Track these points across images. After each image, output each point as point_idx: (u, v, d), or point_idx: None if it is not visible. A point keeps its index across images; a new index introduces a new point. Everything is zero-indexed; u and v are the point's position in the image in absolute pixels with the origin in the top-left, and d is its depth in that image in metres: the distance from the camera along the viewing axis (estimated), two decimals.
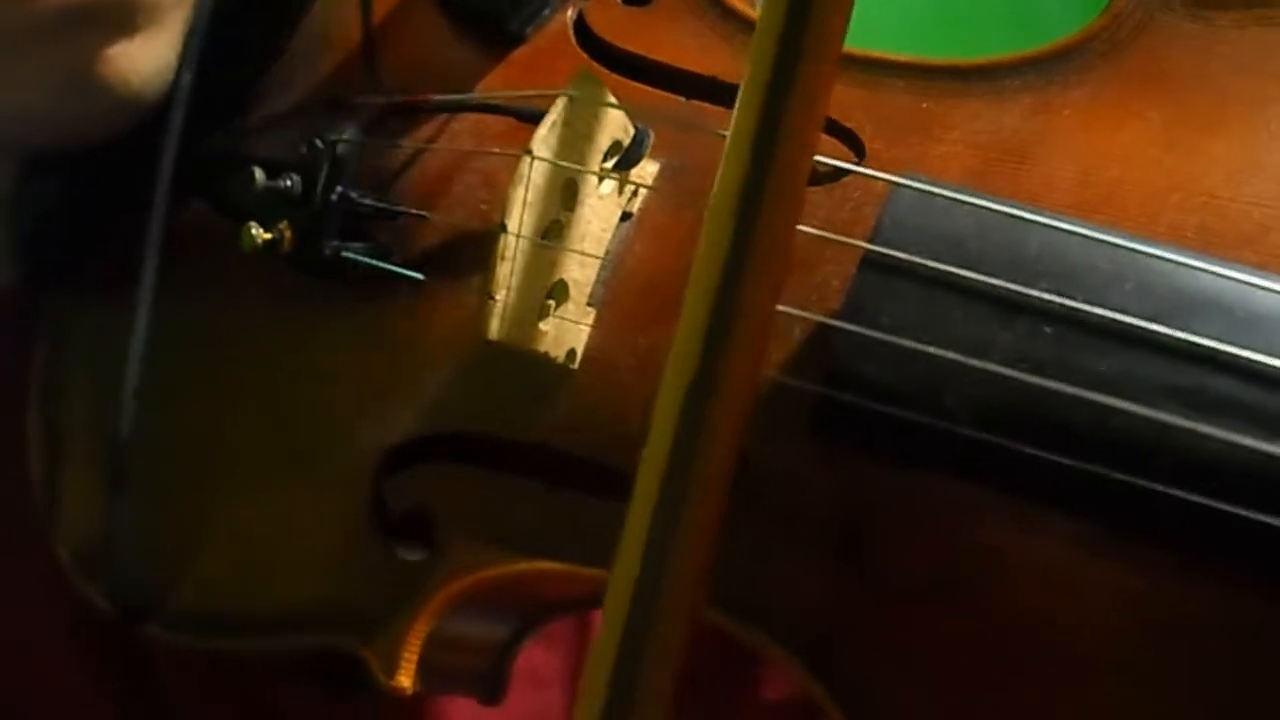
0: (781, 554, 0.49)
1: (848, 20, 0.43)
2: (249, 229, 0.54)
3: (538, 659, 0.60)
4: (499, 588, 0.54)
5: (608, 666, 0.43)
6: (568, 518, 0.52)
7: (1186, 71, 0.49)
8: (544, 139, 0.49)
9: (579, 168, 0.50)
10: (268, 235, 0.55)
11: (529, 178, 0.48)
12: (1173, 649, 0.44)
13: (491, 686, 0.58)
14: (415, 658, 0.54)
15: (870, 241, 0.46)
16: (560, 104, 0.49)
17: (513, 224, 0.48)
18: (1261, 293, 0.43)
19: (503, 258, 0.49)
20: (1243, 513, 0.41)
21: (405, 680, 0.54)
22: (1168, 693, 0.44)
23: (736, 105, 0.43)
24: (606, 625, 0.43)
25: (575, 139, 0.50)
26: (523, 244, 0.49)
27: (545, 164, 0.49)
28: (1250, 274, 0.43)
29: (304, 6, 0.60)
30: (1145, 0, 0.50)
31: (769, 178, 0.42)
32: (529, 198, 0.49)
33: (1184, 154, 0.48)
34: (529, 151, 0.48)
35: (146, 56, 0.54)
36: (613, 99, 0.51)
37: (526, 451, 0.53)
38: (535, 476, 0.53)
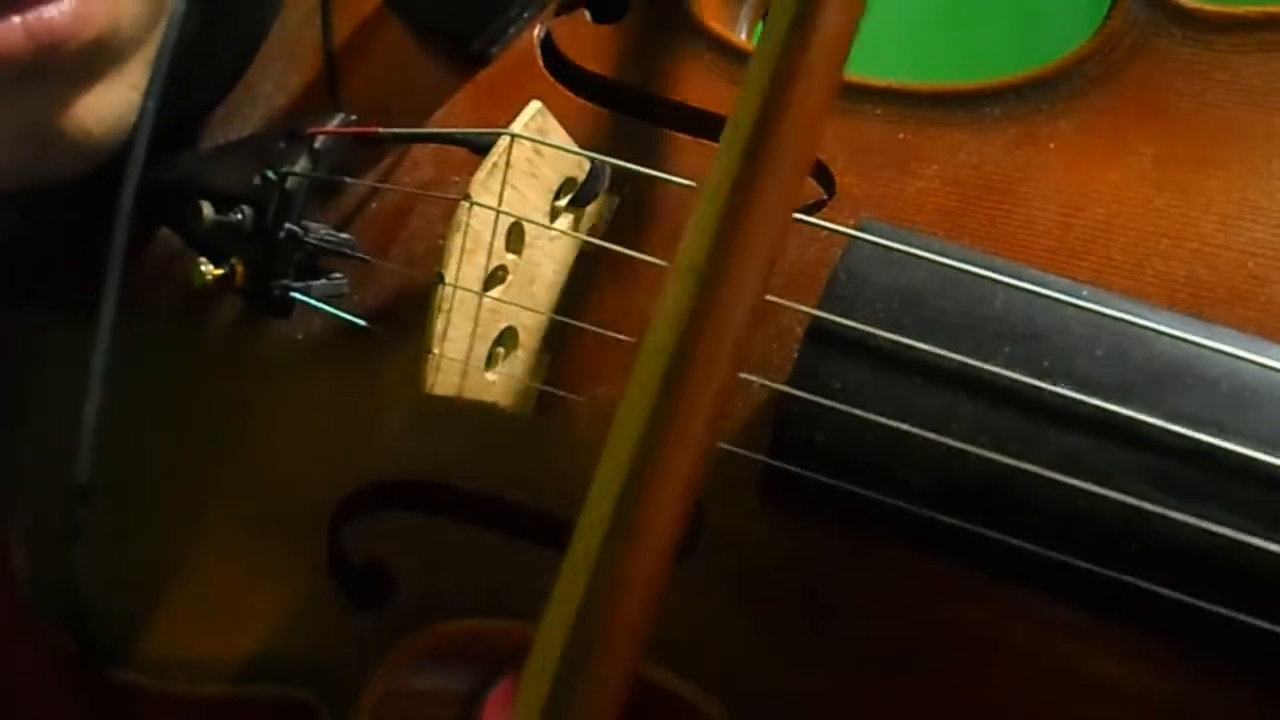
0: (739, 617, 0.46)
1: (843, 69, 0.37)
2: (198, 265, 0.52)
3: None
4: (458, 642, 0.52)
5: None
6: (526, 573, 0.50)
7: (1183, 101, 0.45)
8: (483, 182, 0.46)
9: (521, 216, 0.47)
10: (218, 271, 0.52)
11: (467, 224, 0.46)
12: None
13: None
14: (368, 714, 0.52)
15: (821, 299, 0.42)
16: (501, 144, 0.46)
17: (449, 274, 0.46)
18: (1247, 365, 0.39)
19: (439, 309, 0.46)
20: (1212, 608, 0.37)
21: None
22: None
23: (715, 159, 0.37)
24: (528, 680, 0.40)
25: (521, 178, 0.47)
26: (462, 294, 0.46)
27: (487, 209, 0.46)
28: (1236, 343, 0.39)
29: (264, 30, 0.57)
30: (1141, 21, 0.46)
31: (740, 244, 0.36)
32: (468, 245, 0.46)
33: (1175, 194, 0.44)
34: (467, 197, 0.46)
35: (108, 103, 0.51)
36: (561, 137, 0.48)
37: (481, 503, 0.51)
38: (493, 529, 0.51)
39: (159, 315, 0.57)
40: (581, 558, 0.40)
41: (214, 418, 0.56)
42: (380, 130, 0.51)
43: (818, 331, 0.42)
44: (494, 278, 0.47)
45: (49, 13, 0.48)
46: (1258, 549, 0.37)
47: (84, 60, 0.50)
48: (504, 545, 0.51)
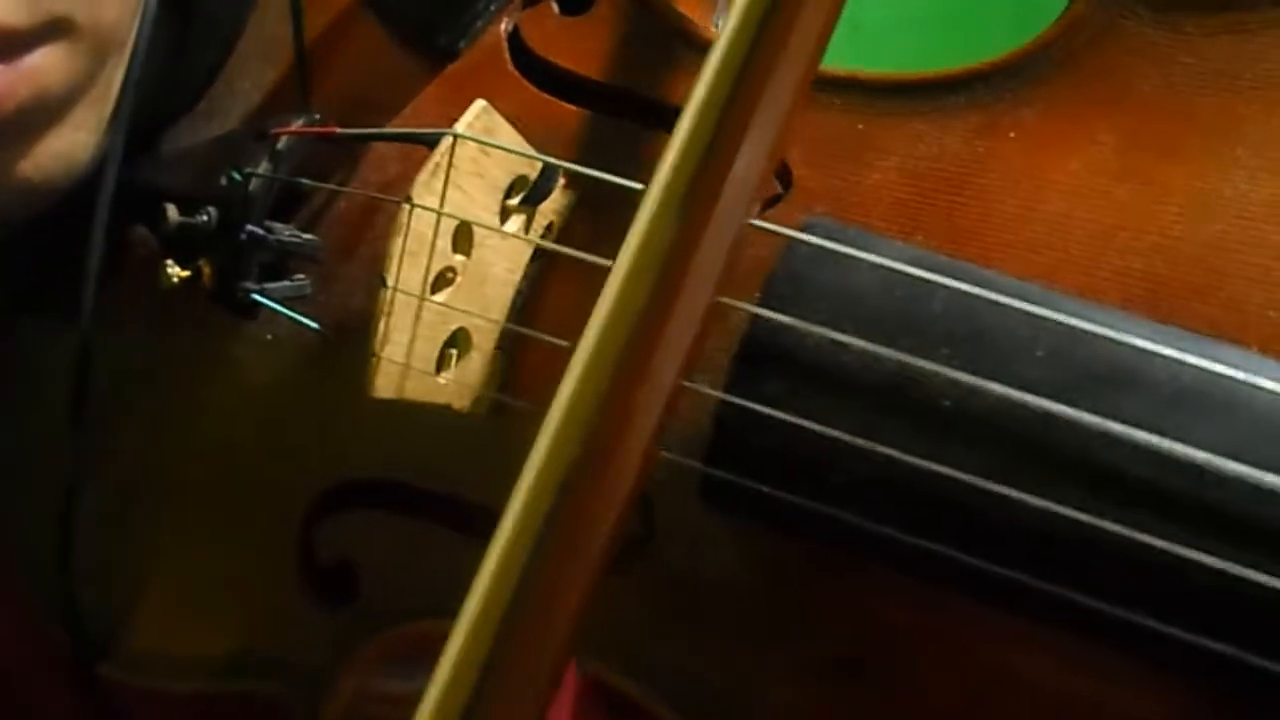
0: (690, 619, 0.45)
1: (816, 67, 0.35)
2: (165, 267, 0.52)
3: None
4: (423, 642, 0.52)
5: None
6: None
7: (1148, 85, 0.43)
8: (425, 184, 0.45)
9: (465, 217, 0.46)
10: (185, 272, 0.52)
11: (409, 226, 0.45)
12: None
13: None
14: (340, 712, 0.52)
15: (760, 299, 0.41)
16: (444, 145, 0.45)
17: (390, 277, 0.45)
18: (1191, 368, 0.37)
19: (383, 313, 0.45)
20: (1140, 620, 0.36)
21: None
22: None
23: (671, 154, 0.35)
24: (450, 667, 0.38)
25: (467, 179, 0.46)
26: (404, 297, 0.45)
27: (429, 211, 0.45)
28: (1181, 345, 0.37)
29: (239, 28, 0.57)
30: (1106, 5, 0.44)
31: (693, 249, 0.34)
32: (410, 247, 0.45)
33: (1137, 185, 0.42)
34: (408, 199, 0.45)
35: (49, 152, 0.50)
36: (509, 135, 0.47)
37: (440, 502, 0.50)
38: (453, 528, 0.50)
39: (140, 316, 0.57)
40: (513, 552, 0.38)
41: (187, 418, 0.57)
42: (337, 130, 0.51)
43: (752, 339, 0.40)
44: (441, 279, 0.47)
45: None
46: (1195, 562, 0.35)
47: (10, 127, 0.49)
48: (465, 545, 0.50)
